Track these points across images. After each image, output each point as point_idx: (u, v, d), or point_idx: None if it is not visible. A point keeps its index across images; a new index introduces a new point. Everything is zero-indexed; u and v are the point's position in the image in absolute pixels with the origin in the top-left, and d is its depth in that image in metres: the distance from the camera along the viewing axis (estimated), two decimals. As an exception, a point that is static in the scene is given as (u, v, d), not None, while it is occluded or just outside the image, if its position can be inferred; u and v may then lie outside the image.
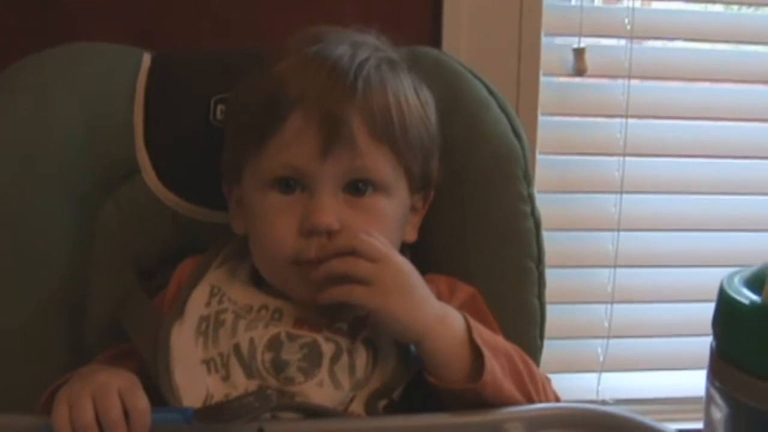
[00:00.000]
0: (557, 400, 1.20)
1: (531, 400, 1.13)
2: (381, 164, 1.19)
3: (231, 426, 1.03)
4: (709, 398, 0.75)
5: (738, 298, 0.71)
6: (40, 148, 1.30)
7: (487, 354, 1.09)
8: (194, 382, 1.14)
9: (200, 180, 1.36)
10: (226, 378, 1.14)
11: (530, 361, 1.19)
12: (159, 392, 1.12)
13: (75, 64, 1.37)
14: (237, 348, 1.15)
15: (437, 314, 1.12)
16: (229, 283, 1.24)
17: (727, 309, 0.73)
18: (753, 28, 1.94)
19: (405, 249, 1.27)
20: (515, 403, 1.11)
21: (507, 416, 1.08)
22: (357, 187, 1.18)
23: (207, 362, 1.16)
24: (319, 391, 1.12)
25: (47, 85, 1.33)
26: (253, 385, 1.13)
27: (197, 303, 1.22)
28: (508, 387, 1.11)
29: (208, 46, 1.64)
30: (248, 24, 1.66)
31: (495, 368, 1.10)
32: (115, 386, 1.01)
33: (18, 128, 1.30)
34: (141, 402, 1.01)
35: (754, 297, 0.71)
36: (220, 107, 1.35)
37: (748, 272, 0.76)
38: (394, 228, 1.23)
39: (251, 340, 1.15)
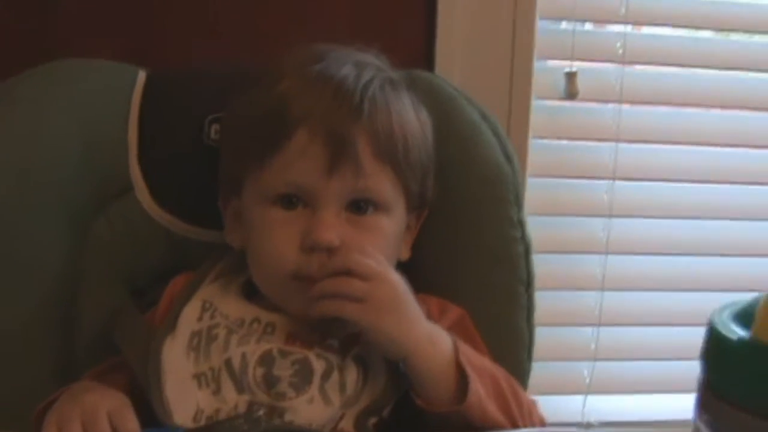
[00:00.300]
0: (543, 423, 1.21)
1: (515, 424, 1.14)
2: (383, 184, 1.20)
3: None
4: (696, 430, 0.76)
5: (726, 333, 0.72)
6: (35, 163, 1.31)
7: (472, 376, 1.10)
8: (185, 397, 1.15)
9: (193, 199, 1.36)
10: (217, 392, 1.14)
11: (516, 384, 1.20)
12: (149, 406, 1.12)
13: (71, 80, 1.37)
14: (228, 363, 1.16)
15: (427, 334, 1.13)
16: (221, 297, 1.24)
17: (715, 343, 0.74)
18: (744, 55, 1.95)
19: (398, 268, 1.28)
20: (499, 426, 1.12)
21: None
22: (359, 206, 1.20)
23: (198, 377, 1.16)
24: (309, 407, 1.12)
25: (43, 101, 1.33)
26: (243, 400, 1.13)
27: (189, 318, 1.22)
28: (492, 410, 1.12)
29: (202, 61, 1.64)
30: (242, 41, 1.66)
31: (479, 390, 1.11)
32: (104, 409, 1.02)
33: (13, 142, 1.30)
34: (130, 425, 1.01)
35: (743, 332, 0.71)
36: (214, 127, 1.35)
37: (737, 306, 0.77)
38: (392, 246, 1.25)
39: (243, 355, 1.16)
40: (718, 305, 0.79)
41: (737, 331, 0.72)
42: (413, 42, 1.70)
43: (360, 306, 1.10)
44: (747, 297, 0.77)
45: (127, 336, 1.24)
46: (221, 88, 1.36)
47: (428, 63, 1.71)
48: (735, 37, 2.01)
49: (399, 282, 1.14)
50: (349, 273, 1.11)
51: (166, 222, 1.37)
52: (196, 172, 1.36)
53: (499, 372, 1.18)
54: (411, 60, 1.35)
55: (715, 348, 0.74)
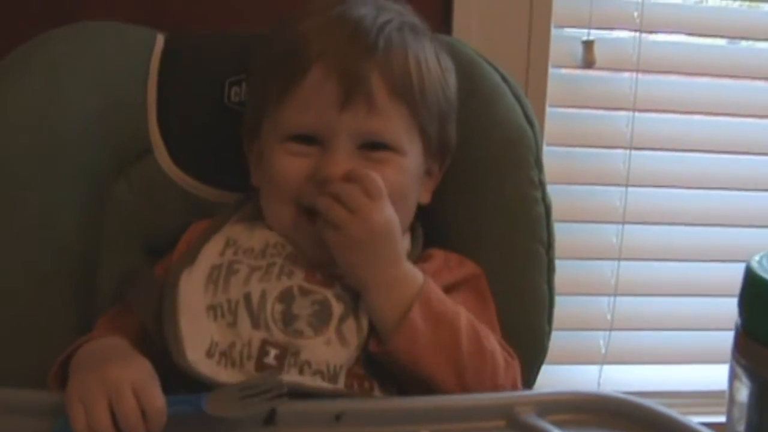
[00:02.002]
0: (515, 385, 1.20)
1: (463, 381, 1.13)
2: (396, 125, 1.21)
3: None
4: (733, 375, 0.76)
5: (765, 276, 0.72)
6: (53, 125, 1.30)
7: (411, 324, 1.11)
8: (199, 330, 1.15)
9: (213, 161, 1.37)
10: (233, 325, 1.14)
11: (487, 342, 1.17)
12: (164, 345, 1.13)
13: (88, 43, 1.37)
14: (248, 297, 1.16)
15: (390, 277, 1.14)
16: (246, 234, 1.25)
17: (754, 288, 0.74)
18: (761, 24, 1.94)
19: (418, 221, 1.30)
20: (433, 378, 1.12)
21: (517, 400, 1.09)
22: (372, 145, 1.20)
23: (214, 308, 1.16)
24: (326, 348, 1.13)
25: (60, 63, 1.33)
26: (258, 336, 1.13)
27: (210, 252, 1.22)
28: (428, 361, 1.12)
29: (218, 28, 1.64)
30: (259, 6, 1.65)
31: (417, 338, 1.11)
32: (129, 384, 0.99)
33: (31, 104, 1.30)
34: (157, 401, 0.99)
35: (783, 276, 0.71)
36: (234, 89, 1.36)
37: (773, 253, 0.77)
38: (409, 181, 1.25)
39: (263, 291, 1.16)
40: (735, 276, 0.79)
41: (776, 274, 0.72)
42: (431, 10, 1.69)
43: (334, 233, 1.13)
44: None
45: (133, 285, 1.24)
46: (240, 50, 1.38)
47: (446, 31, 1.71)
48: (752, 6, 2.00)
49: (384, 222, 1.15)
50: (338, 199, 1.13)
51: (185, 184, 1.37)
52: (216, 134, 1.37)
53: (469, 326, 1.15)
54: (429, 27, 1.34)
55: (754, 292, 0.74)
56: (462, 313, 1.15)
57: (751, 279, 0.74)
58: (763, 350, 0.71)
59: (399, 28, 1.23)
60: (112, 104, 1.34)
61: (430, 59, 1.25)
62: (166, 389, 1.02)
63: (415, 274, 1.16)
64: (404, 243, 1.25)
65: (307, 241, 1.19)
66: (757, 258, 0.76)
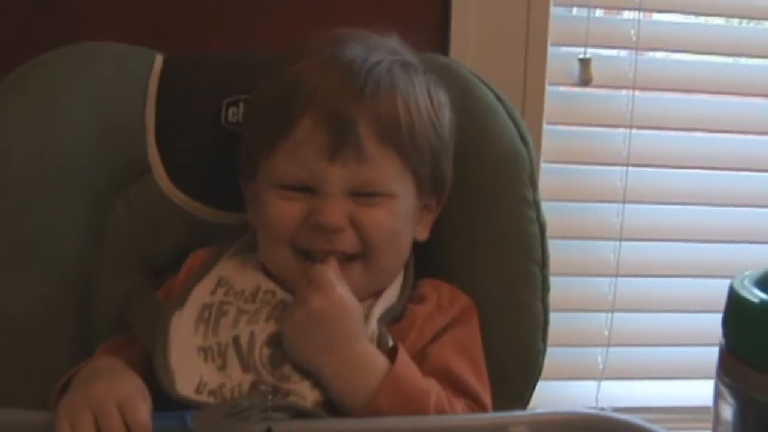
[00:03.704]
0: None
1: None
2: (387, 172, 1.22)
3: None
4: (717, 394, 0.77)
5: (748, 296, 0.73)
6: (53, 145, 1.31)
7: (376, 410, 1.10)
8: (189, 367, 1.15)
9: (211, 181, 1.38)
10: (223, 368, 1.15)
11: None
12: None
13: (87, 63, 1.38)
14: (236, 340, 1.17)
15: (347, 362, 1.13)
16: (238, 273, 1.26)
17: (737, 307, 0.75)
18: (756, 42, 1.95)
19: (414, 247, 1.30)
20: None
21: (512, 420, 1.09)
22: (364, 194, 1.21)
23: (204, 350, 1.17)
24: (312, 392, 1.13)
25: (60, 84, 1.34)
26: (248, 379, 1.14)
27: (202, 292, 1.23)
28: None
29: (216, 49, 1.65)
30: (257, 28, 1.67)
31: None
32: (113, 400, 1.01)
33: (31, 125, 1.31)
34: (141, 415, 1.01)
35: (764, 296, 0.72)
36: (231, 110, 1.37)
37: (757, 273, 0.78)
38: (402, 224, 1.25)
39: (252, 334, 1.17)
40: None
41: (758, 295, 0.73)
42: (428, 29, 1.71)
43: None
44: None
45: (138, 310, 1.25)
46: (239, 71, 1.39)
47: (443, 50, 1.72)
48: (746, 24, 2.01)
49: (348, 305, 1.15)
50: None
51: (183, 204, 1.38)
52: (214, 154, 1.37)
53: (439, 408, 1.13)
54: (426, 47, 1.35)
55: (737, 311, 0.75)
56: (432, 393, 1.14)
57: (734, 299, 0.75)
58: (746, 369, 0.73)
59: (388, 70, 1.23)
60: (110, 124, 1.35)
61: (420, 99, 1.25)
62: (160, 408, 1.04)
63: (377, 357, 1.14)
64: (396, 282, 1.28)
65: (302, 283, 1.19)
66: (740, 278, 0.77)
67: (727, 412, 0.76)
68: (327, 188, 1.18)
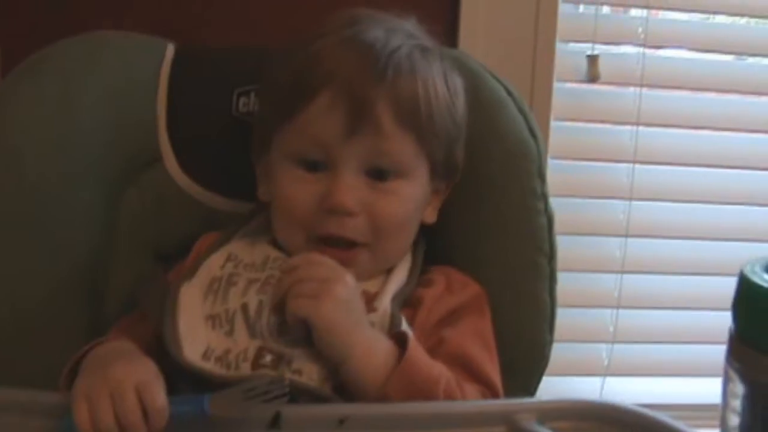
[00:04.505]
0: None
1: None
2: (403, 150, 1.22)
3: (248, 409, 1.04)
4: (726, 378, 0.78)
5: (758, 281, 0.74)
6: (65, 132, 1.32)
7: (386, 396, 1.10)
8: (196, 334, 1.16)
9: (221, 170, 1.39)
10: (230, 333, 1.16)
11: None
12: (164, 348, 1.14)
13: (100, 51, 1.38)
14: (245, 307, 1.17)
15: (365, 340, 1.13)
16: (248, 250, 1.26)
17: (747, 292, 0.76)
18: (763, 41, 1.96)
19: (421, 236, 1.31)
20: None
21: (519, 407, 1.09)
22: (379, 172, 1.21)
23: (212, 318, 1.18)
24: (317, 361, 1.13)
25: (73, 71, 1.35)
26: (254, 345, 1.14)
27: (212, 266, 1.24)
28: None
29: (228, 39, 1.66)
30: (269, 18, 1.68)
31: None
32: (132, 383, 1.01)
33: (43, 112, 1.32)
34: (158, 400, 1.01)
35: (774, 282, 0.73)
36: (242, 99, 1.38)
37: (766, 259, 0.79)
38: (413, 210, 1.26)
39: (260, 302, 1.17)
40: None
41: (768, 280, 0.74)
42: (437, 24, 1.71)
43: (311, 301, 1.11)
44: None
45: (147, 290, 1.26)
46: (249, 61, 1.40)
47: (451, 45, 1.73)
48: (753, 22, 2.02)
49: (353, 286, 1.14)
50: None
51: (194, 192, 1.38)
52: (224, 143, 1.38)
53: (449, 393, 1.14)
54: (435, 42, 1.36)
55: (746, 296, 0.76)
56: (442, 379, 1.14)
57: (744, 285, 0.76)
58: (755, 354, 0.73)
59: (408, 54, 1.24)
60: (122, 113, 1.36)
61: (438, 84, 1.26)
62: (173, 392, 1.04)
63: (382, 342, 1.14)
64: (404, 262, 1.28)
65: None
66: (750, 264, 0.78)
67: (736, 396, 0.77)
68: (342, 163, 1.19)
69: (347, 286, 1.13)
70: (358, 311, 1.14)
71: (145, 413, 1.00)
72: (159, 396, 1.02)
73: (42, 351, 1.30)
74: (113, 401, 1.00)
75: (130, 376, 1.03)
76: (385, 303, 1.20)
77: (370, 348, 1.12)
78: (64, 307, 1.32)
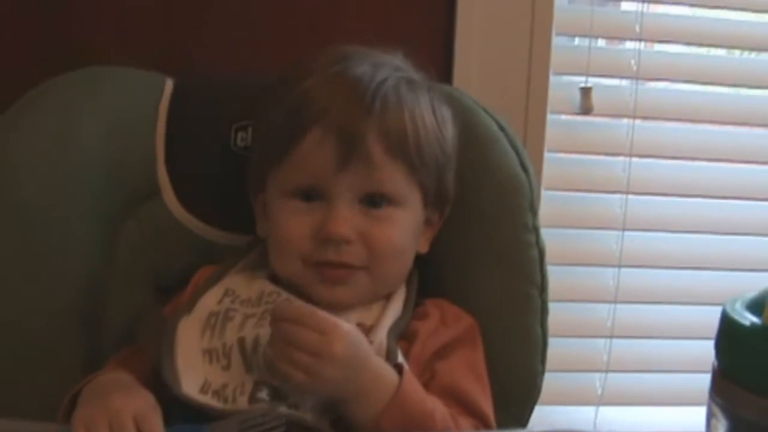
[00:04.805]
0: None
1: None
2: (395, 179, 1.25)
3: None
4: (710, 413, 0.79)
5: (739, 320, 0.76)
6: (64, 167, 1.34)
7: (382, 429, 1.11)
8: (194, 369, 1.18)
9: (219, 203, 1.41)
10: (227, 368, 1.18)
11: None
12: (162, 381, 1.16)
13: (99, 86, 1.41)
14: (242, 341, 1.19)
15: (364, 385, 1.13)
16: (244, 285, 1.28)
17: (729, 330, 0.77)
18: (756, 72, 1.97)
19: (414, 268, 1.33)
20: None
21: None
22: (373, 200, 1.24)
23: (210, 352, 1.20)
24: (312, 396, 1.14)
25: (71, 106, 1.37)
26: (250, 379, 1.16)
27: (209, 301, 1.26)
28: None
29: (226, 73, 1.67)
30: (266, 52, 1.69)
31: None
32: (130, 413, 1.03)
33: (42, 146, 1.34)
34: (156, 430, 1.04)
35: (755, 319, 0.75)
36: (240, 134, 1.40)
37: (748, 297, 0.81)
38: (409, 237, 1.28)
39: (256, 337, 1.19)
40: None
41: (750, 318, 0.75)
42: (431, 57, 1.72)
43: (305, 377, 1.09)
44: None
45: (145, 323, 1.28)
46: (247, 96, 1.41)
47: (446, 78, 1.74)
48: (747, 55, 2.04)
49: (346, 346, 1.11)
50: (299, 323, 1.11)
51: (192, 225, 1.40)
52: (222, 177, 1.40)
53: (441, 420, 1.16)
54: (429, 74, 1.37)
55: (728, 334, 0.78)
56: (437, 412, 1.16)
57: (726, 322, 0.78)
58: (738, 390, 0.75)
59: (395, 86, 1.26)
60: (121, 146, 1.38)
61: (426, 114, 1.29)
62: (170, 424, 1.06)
63: (387, 375, 1.15)
64: (399, 293, 1.30)
65: (319, 287, 1.23)
66: (731, 301, 0.79)
67: (719, 429, 0.78)
68: (337, 195, 1.22)
69: (344, 337, 1.11)
70: (360, 356, 1.13)
71: None
72: (157, 426, 1.04)
73: (40, 380, 1.32)
74: (112, 431, 1.02)
75: (129, 406, 1.05)
76: (380, 336, 1.22)
77: (372, 387, 1.13)
78: (62, 338, 1.34)
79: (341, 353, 1.09)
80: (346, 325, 1.13)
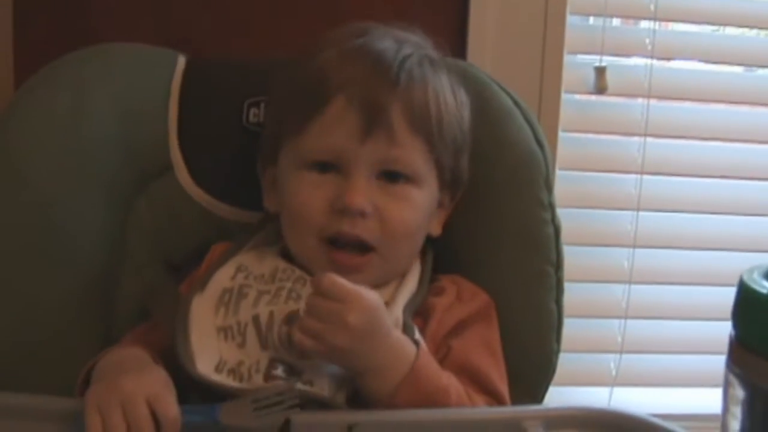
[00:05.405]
0: None
1: None
2: (415, 156, 1.24)
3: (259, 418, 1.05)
4: (727, 383, 0.79)
5: (757, 288, 0.75)
6: (78, 144, 1.34)
7: (397, 404, 1.11)
8: (208, 346, 1.18)
9: (231, 180, 1.40)
10: (242, 345, 1.18)
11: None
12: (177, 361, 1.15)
13: (112, 63, 1.41)
14: (256, 318, 1.19)
15: (381, 359, 1.12)
16: (256, 262, 1.28)
17: (746, 298, 0.77)
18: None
19: (428, 245, 1.33)
20: None
21: (526, 414, 1.11)
22: (390, 175, 1.23)
23: (224, 330, 1.20)
24: (328, 369, 1.15)
25: (85, 83, 1.36)
26: (265, 356, 1.16)
27: (222, 278, 1.26)
28: None
29: (238, 50, 1.67)
30: (278, 30, 1.70)
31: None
32: (143, 395, 1.02)
33: (56, 123, 1.33)
34: (171, 411, 1.02)
35: (773, 288, 0.75)
36: (252, 110, 1.40)
37: (765, 266, 0.80)
38: (423, 217, 1.27)
39: (271, 314, 1.19)
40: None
41: (767, 286, 0.75)
42: (446, 37, 1.72)
43: (314, 343, 1.10)
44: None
45: (159, 301, 1.28)
46: (260, 73, 1.41)
47: (461, 57, 1.73)
48: (761, 34, 2.03)
49: (362, 318, 1.10)
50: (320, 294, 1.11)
51: (204, 202, 1.40)
52: (235, 153, 1.40)
53: (456, 397, 1.16)
54: (443, 54, 1.37)
55: (746, 303, 0.77)
56: (452, 388, 1.15)
57: (743, 291, 0.77)
58: (755, 359, 0.75)
59: (419, 62, 1.26)
60: (133, 123, 1.37)
61: (447, 94, 1.28)
62: (184, 402, 1.05)
63: (405, 349, 1.14)
64: (414, 271, 1.30)
65: (329, 268, 1.19)
66: (749, 270, 0.79)
67: (736, 400, 0.78)
68: (356, 167, 1.21)
69: (362, 307, 1.10)
70: (377, 329, 1.12)
71: (157, 423, 1.01)
72: (171, 406, 1.03)
73: (54, 359, 1.31)
74: (125, 412, 1.01)
75: (142, 386, 1.04)
76: (396, 312, 1.22)
77: (389, 362, 1.12)
78: (77, 317, 1.33)
79: (354, 322, 1.09)
80: (371, 298, 1.12)
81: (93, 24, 1.65)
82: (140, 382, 1.05)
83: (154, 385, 1.06)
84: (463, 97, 1.33)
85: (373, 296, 1.13)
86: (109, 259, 1.37)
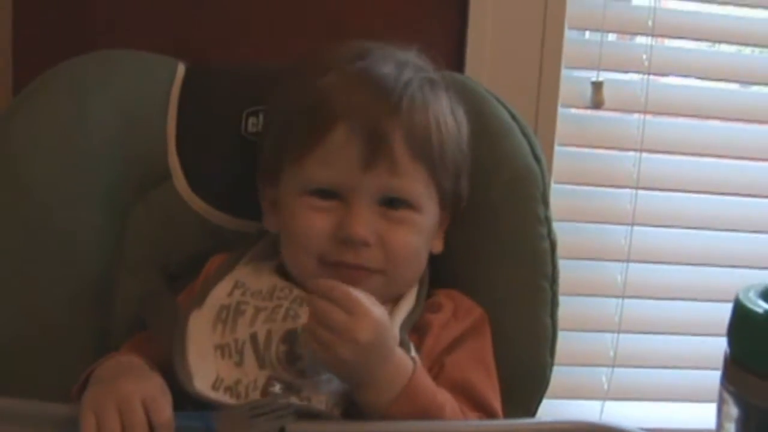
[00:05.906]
0: None
1: None
2: (416, 183, 1.24)
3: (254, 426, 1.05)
4: (721, 400, 0.80)
5: (753, 307, 0.76)
6: (77, 149, 1.34)
7: (393, 416, 1.12)
8: (205, 364, 1.18)
9: (229, 189, 1.40)
10: (239, 364, 1.18)
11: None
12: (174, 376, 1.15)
13: (112, 70, 1.41)
14: (254, 337, 1.19)
15: (381, 376, 1.12)
16: (253, 277, 1.28)
17: (741, 317, 0.78)
18: (767, 69, 1.97)
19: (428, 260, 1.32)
20: None
21: (518, 427, 1.12)
22: (391, 202, 1.23)
23: (222, 347, 1.20)
24: (327, 385, 1.15)
25: (85, 88, 1.37)
26: (263, 375, 1.16)
27: (219, 294, 1.26)
28: None
29: (237, 59, 1.68)
30: (277, 39, 1.70)
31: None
32: (138, 397, 1.03)
33: (55, 129, 1.34)
34: (164, 414, 1.03)
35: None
36: (251, 120, 1.40)
37: (762, 286, 0.81)
38: (425, 240, 1.28)
39: (269, 332, 1.19)
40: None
41: (763, 306, 0.76)
42: (444, 51, 1.73)
43: (323, 353, 1.10)
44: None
45: (156, 312, 1.27)
46: (259, 82, 1.41)
47: (458, 70, 1.74)
48: (757, 52, 2.04)
49: (370, 336, 1.10)
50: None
51: (202, 210, 1.40)
52: (233, 163, 1.40)
53: (452, 415, 1.16)
54: (441, 67, 1.38)
55: (741, 322, 0.78)
56: (447, 405, 1.16)
57: (739, 310, 0.78)
58: (749, 377, 0.75)
59: (420, 87, 1.26)
60: (133, 130, 1.38)
61: (447, 116, 1.29)
62: (180, 409, 1.06)
63: (404, 367, 1.14)
64: (412, 291, 1.30)
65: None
66: (745, 289, 0.80)
67: (730, 418, 0.79)
68: (358, 196, 1.21)
69: (371, 325, 1.10)
70: (383, 346, 1.12)
71: (151, 427, 1.02)
72: (166, 410, 1.04)
73: (51, 364, 1.32)
74: (120, 414, 1.02)
75: (138, 389, 1.05)
76: (394, 330, 1.21)
77: (389, 377, 1.13)
78: (73, 322, 1.34)
79: (364, 340, 1.09)
80: (378, 313, 1.12)
81: (93, 30, 1.66)
82: (136, 385, 1.06)
83: (150, 389, 1.06)
84: (461, 115, 1.33)
85: (381, 312, 1.13)
86: (106, 264, 1.37)
